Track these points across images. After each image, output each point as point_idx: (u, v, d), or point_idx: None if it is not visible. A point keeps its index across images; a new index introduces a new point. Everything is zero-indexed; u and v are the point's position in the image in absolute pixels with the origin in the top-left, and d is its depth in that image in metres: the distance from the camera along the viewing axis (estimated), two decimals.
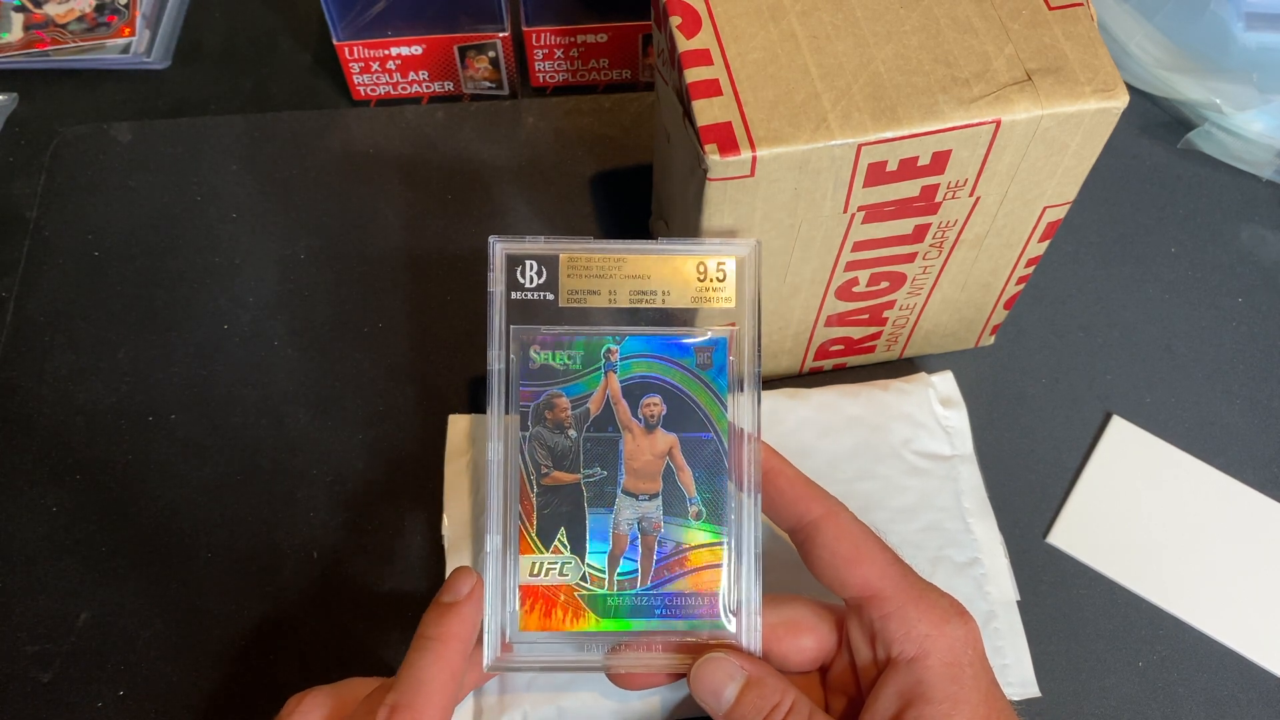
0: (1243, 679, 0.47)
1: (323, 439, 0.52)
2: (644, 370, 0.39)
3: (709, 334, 0.40)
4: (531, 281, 0.39)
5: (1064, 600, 0.48)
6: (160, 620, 0.48)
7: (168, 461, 0.51)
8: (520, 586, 0.38)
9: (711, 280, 0.39)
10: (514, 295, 0.39)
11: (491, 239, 0.39)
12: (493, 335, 0.39)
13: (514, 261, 0.39)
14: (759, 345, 0.39)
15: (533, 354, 0.39)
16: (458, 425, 0.50)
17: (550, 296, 0.39)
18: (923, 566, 0.46)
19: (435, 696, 0.35)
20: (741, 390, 0.39)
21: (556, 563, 0.38)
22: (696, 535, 0.39)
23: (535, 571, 0.38)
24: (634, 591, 0.39)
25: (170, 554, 0.49)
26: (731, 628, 0.39)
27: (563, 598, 0.38)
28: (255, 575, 0.48)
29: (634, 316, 0.39)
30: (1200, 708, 0.46)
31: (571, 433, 0.39)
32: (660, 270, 0.39)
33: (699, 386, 0.39)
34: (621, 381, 0.39)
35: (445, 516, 0.48)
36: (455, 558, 0.47)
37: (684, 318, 0.40)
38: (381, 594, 0.48)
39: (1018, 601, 0.47)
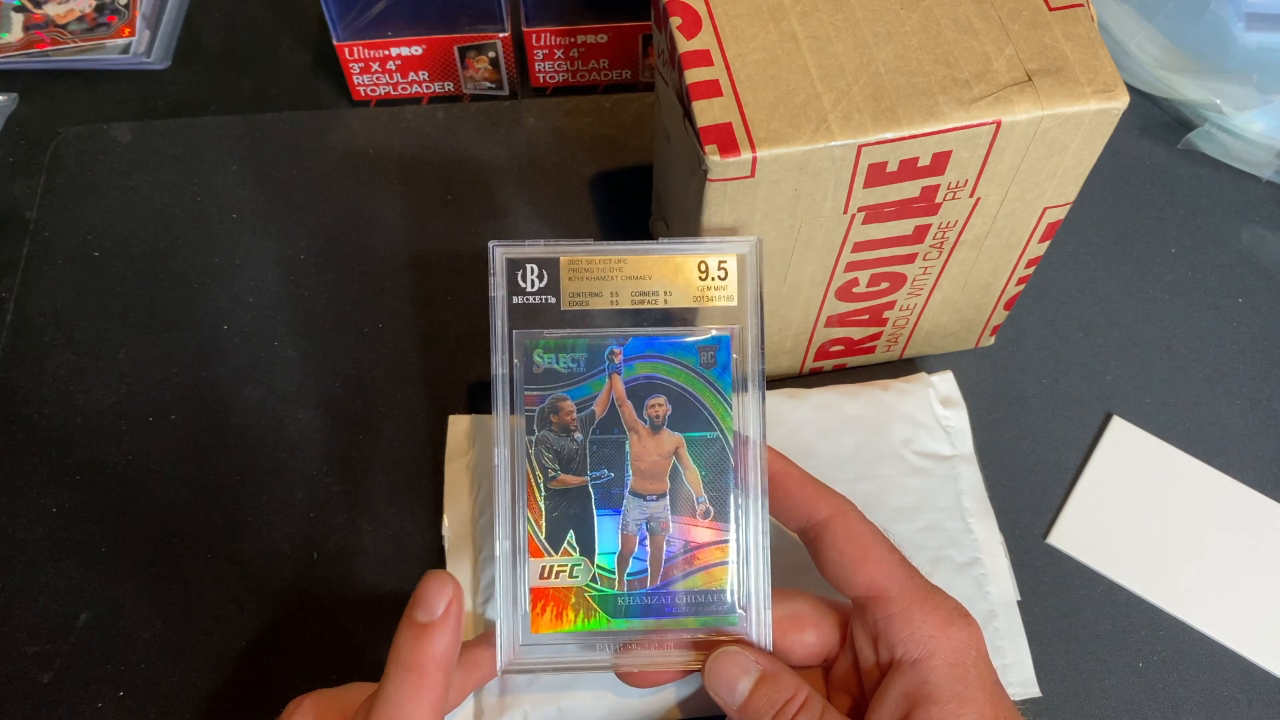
0: (1243, 679, 0.47)
1: (323, 439, 0.52)
2: (648, 371, 0.39)
3: (712, 333, 0.40)
4: (533, 285, 0.39)
5: (1064, 600, 0.48)
6: (160, 620, 0.48)
7: (168, 461, 0.51)
8: (531, 589, 0.38)
9: (713, 279, 0.39)
10: (515, 300, 0.39)
11: (491, 244, 0.39)
12: (496, 340, 0.39)
13: (515, 266, 0.39)
14: (762, 342, 0.39)
15: (536, 358, 0.39)
16: (458, 425, 0.50)
17: (552, 300, 0.39)
18: (923, 566, 0.46)
19: None
20: (746, 388, 0.39)
21: (566, 565, 0.38)
22: (704, 534, 0.39)
23: (545, 575, 0.38)
24: (644, 591, 0.39)
25: (170, 554, 0.49)
26: (741, 624, 0.39)
27: (574, 599, 0.38)
28: (255, 575, 0.48)
29: (637, 317, 0.39)
30: (1200, 708, 0.46)
31: (577, 435, 0.39)
32: (661, 270, 0.39)
33: (703, 386, 0.39)
34: (626, 383, 0.39)
35: (445, 517, 0.48)
36: (455, 558, 0.47)
37: (687, 317, 0.40)
38: (382, 595, 0.48)
39: (1018, 601, 0.47)
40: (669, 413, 0.39)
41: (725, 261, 0.39)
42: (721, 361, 0.39)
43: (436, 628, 0.35)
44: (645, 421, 0.39)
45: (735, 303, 0.39)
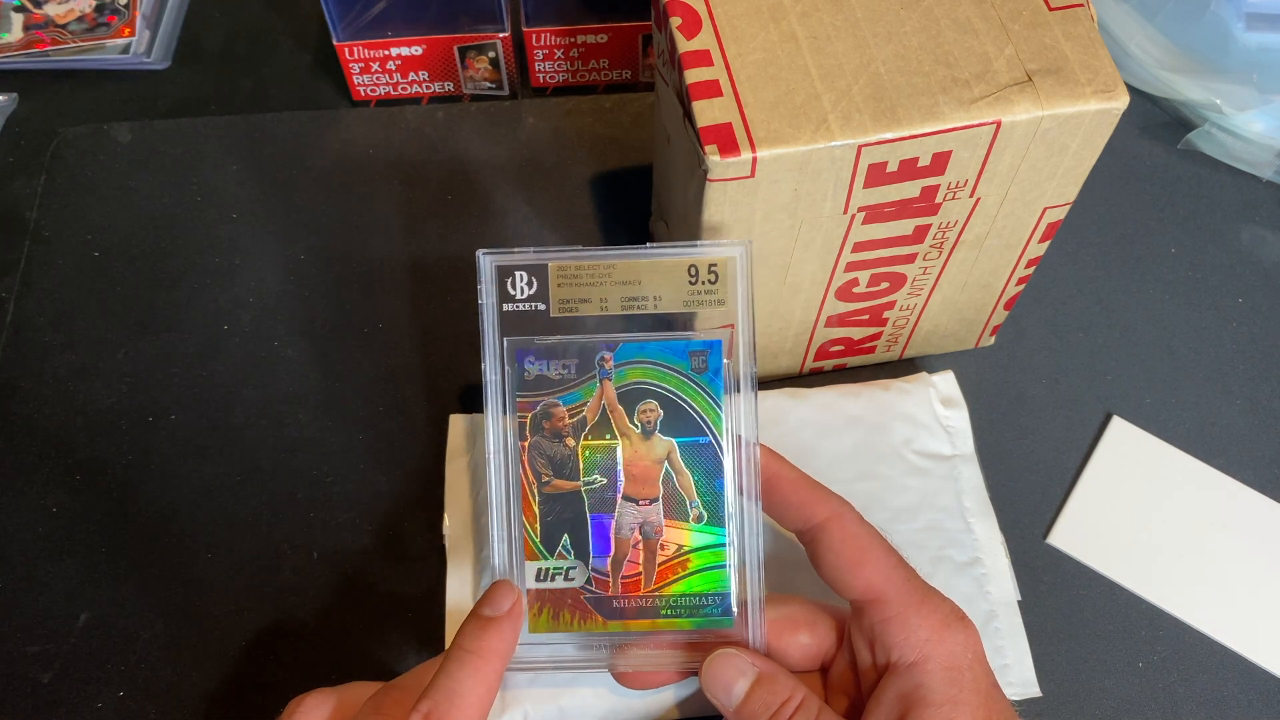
0: (1243, 679, 0.47)
1: (323, 439, 0.52)
2: (639, 377, 0.39)
3: (703, 337, 0.39)
4: (522, 293, 0.39)
5: (1064, 600, 0.48)
6: (160, 620, 0.48)
7: (168, 461, 0.51)
8: (527, 591, 0.39)
9: (703, 283, 0.39)
10: (506, 307, 0.39)
11: (479, 252, 0.39)
12: (486, 348, 0.39)
13: (504, 273, 0.39)
14: (754, 346, 0.39)
15: (527, 364, 0.39)
16: (458, 425, 0.50)
17: (542, 307, 0.39)
18: (923, 566, 0.46)
19: (469, 711, 0.35)
20: (738, 391, 0.39)
21: (561, 568, 0.39)
22: (698, 537, 0.39)
23: (541, 577, 0.39)
24: (639, 594, 0.39)
25: (170, 554, 0.49)
26: (736, 627, 0.39)
27: (570, 601, 0.39)
28: (255, 575, 0.48)
29: (627, 323, 0.39)
30: (1200, 708, 0.46)
31: (570, 441, 0.39)
32: (651, 275, 0.39)
33: (694, 390, 0.39)
34: (617, 388, 0.39)
35: (446, 516, 0.48)
36: (456, 557, 0.47)
37: (681, 321, 0.40)
38: (382, 594, 0.48)
39: (1018, 601, 0.47)
40: (660, 417, 0.39)
41: (715, 265, 0.39)
42: (713, 366, 0.39)
43: (500, 621, 0.37)
44: (637, 427, 0.39)
45: (726, 306, 0.39)
